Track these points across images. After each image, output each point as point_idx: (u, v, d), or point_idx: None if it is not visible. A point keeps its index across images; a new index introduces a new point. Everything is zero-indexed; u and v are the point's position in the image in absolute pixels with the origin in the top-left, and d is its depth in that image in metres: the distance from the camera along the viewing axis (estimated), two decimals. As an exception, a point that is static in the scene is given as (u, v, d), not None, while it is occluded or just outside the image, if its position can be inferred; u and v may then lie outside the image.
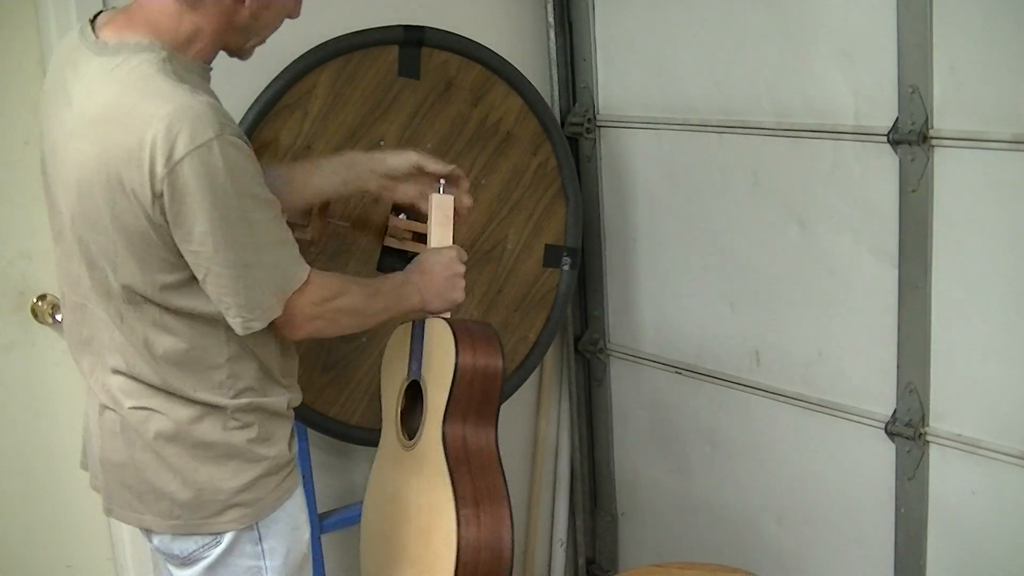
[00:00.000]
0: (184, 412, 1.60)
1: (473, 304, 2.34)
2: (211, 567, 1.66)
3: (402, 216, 2.26)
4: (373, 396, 2.24)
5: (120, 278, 1.55)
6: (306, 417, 2.18)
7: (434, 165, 1.93)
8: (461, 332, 1.84)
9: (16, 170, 2.09)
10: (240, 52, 1.64)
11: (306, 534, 1.73)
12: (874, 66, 2.01)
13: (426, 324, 1.89)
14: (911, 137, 1.95)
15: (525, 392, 2.65)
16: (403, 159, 1.92)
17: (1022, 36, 1.81)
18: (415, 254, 2.27)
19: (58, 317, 2.11)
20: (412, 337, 1.93)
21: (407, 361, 1.93)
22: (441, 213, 1.90)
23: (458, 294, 1.85)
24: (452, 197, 1.90)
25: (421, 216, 2.00)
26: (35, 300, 2.15)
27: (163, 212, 1.47)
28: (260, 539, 1.66)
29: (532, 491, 2.84)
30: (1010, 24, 1.82)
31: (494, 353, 1.85)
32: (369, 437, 2.24)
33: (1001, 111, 1.85)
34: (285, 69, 2.12)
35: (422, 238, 2.26)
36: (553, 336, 2.48)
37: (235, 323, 1.55)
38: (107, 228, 1.51)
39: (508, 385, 2.41)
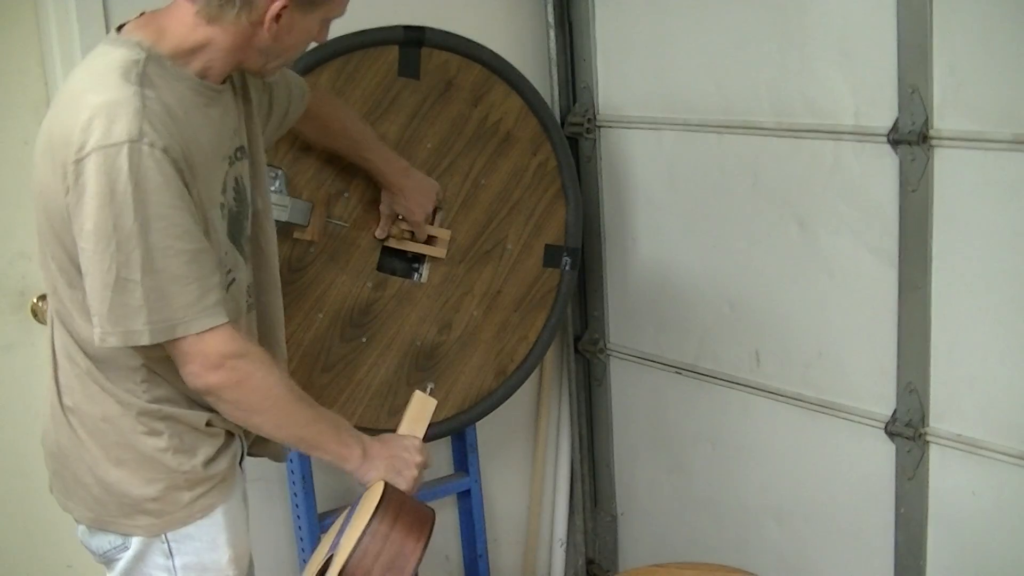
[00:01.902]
0: (101, 408, 1.59)
1: (473, 304, 2.34)
2: (125, 573, 1.64)
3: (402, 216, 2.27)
4: (373, 395, 2.24)
5: (51, 256, 1.56)
6: (306, 417, 2.17)
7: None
8: (392, 498, 1.63)
9: (16, 170, 2.09)
10: (261, 72, 1.61)
11: (226, 556, 1.64)
12: (874, 66, 2.01)
13: (366, 491, 1.72)
14: (911, 137, 1.95)
15: (525, 392, 2.65)
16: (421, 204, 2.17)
17: (1022, 36, 1.81)
18: (415, 254, 2.28)
19: (58, 317, 2.11)
20: (348, 512, 1.77)
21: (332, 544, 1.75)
22: (419, 410, 1.82)
23: (403, 480, 1.69)
24: (435, 402, 1.84)
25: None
26: (35, 300, 2.15)
27: (69, 201, 1.46)
28: (171, 553, 1.62)
29: (532, 491, 2.84)
30: (1010, 24, 1.82)
31: (415, 536, 1.61)
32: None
33: (1001, 111, 1.85)
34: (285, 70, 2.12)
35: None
36: (553, 336, 2.48)
37: (96, 332, 1.48)
38: (39, 204, 1.54)
39: (508, 385, 2.41)
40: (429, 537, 1.62)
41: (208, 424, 1.63)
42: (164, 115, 1.45)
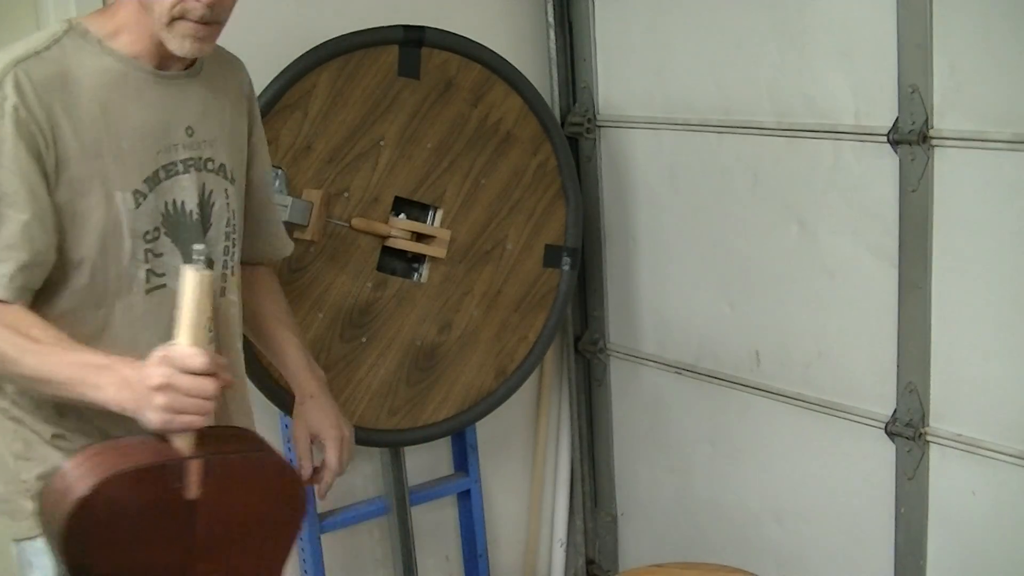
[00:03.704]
0: None
1: (473, 304, 2.34)
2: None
3: (402, 216, 2.27)
4: (373, 395, 2.24)
5: None
6: (306, 417, 2.17)
7: (331, 453, 1.73)
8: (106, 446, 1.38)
9: (16, 170, 2.09)
10: (167, 40, 1.45)
11: None
12: (874, 66, 2.01)
13: None
14: (911, 137, 1.95)
15: (525, 392, 2.65)
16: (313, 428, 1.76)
17: (1022, 36, 1.81)
18: (415, 254, 2.28)
19: (58, 317, 2.10)
20: None
21: None
22: (197, 292, 1.33)
23: (152, 414, 1.30)
24: (210, 274, 1.34)
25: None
26: (35, 300, 2.14)
27: None
28: (32, 565, 1.50)
29: (532, 491, 2.84)
30: (1010, 24, 1.82)
31: (84, 475, 1.33)
32: (368, 437, 2.24)
33: (1001, 111, 1.85)
34: (285, 69, 2.12)
35: (422, 238, 2.27)
36: (553, 336, 2.48)
37: None
38: None
39: (508, 385, 2.41)
40: (110, 476, 1.31)
41: (57, 437, 1.48)
42: (51, 79, 1.40)
